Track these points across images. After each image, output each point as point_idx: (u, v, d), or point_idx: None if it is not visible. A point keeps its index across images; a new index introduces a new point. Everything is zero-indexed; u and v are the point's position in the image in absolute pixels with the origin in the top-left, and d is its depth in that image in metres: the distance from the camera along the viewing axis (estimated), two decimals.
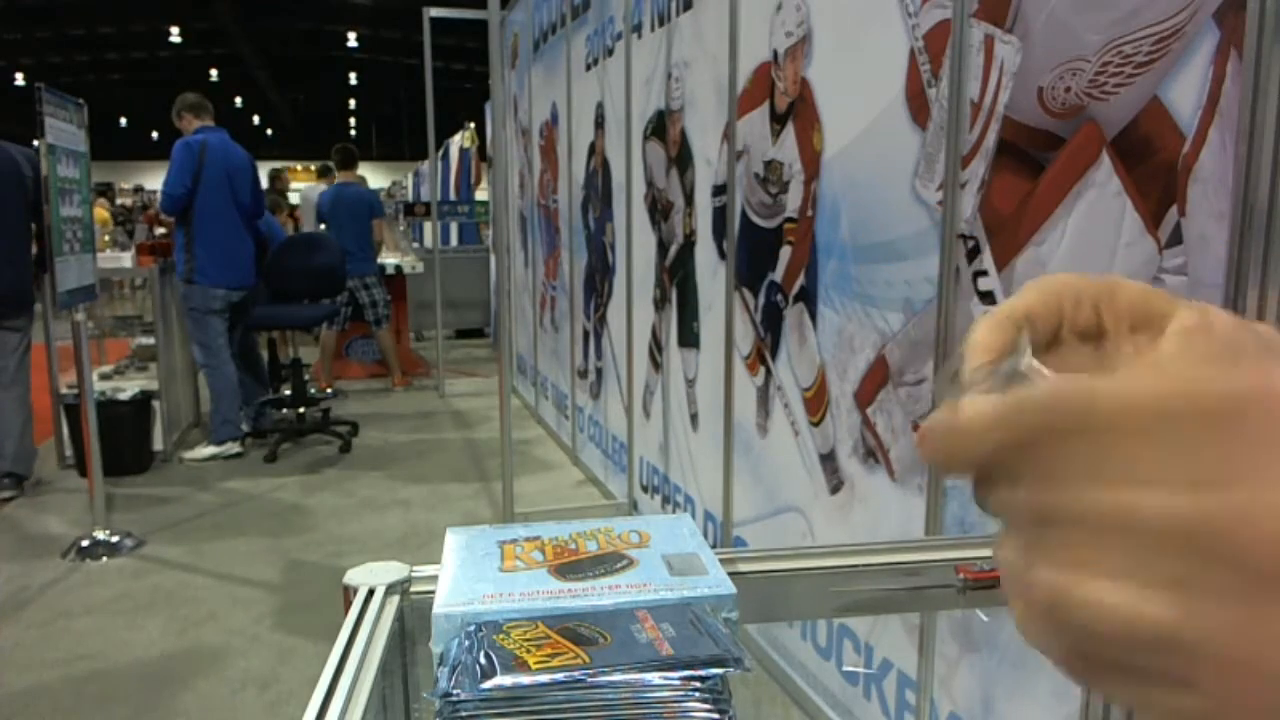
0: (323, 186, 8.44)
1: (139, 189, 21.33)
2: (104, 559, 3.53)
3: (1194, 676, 0.22)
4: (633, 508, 3.73)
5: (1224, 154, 1.14)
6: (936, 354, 1.70)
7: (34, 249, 4.11)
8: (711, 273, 2.80)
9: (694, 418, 3.05)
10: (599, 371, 4.27)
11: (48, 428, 4.70)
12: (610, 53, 3.76)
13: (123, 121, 33.91)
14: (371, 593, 0.62)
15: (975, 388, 0.29)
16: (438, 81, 6.58)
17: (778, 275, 2.36)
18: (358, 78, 31.87)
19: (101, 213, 10.69)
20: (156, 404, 4.67)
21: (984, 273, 1.58)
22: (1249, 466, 0.21)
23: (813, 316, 2.20)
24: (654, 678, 0.50)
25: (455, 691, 0.49)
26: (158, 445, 4.74)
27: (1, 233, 3.99)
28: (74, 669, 2.71)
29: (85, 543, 3.57)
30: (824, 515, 2.22)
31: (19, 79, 27.23)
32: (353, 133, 37.24)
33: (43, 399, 4.40)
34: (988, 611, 1.54)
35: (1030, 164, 1.47)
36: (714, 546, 0.64)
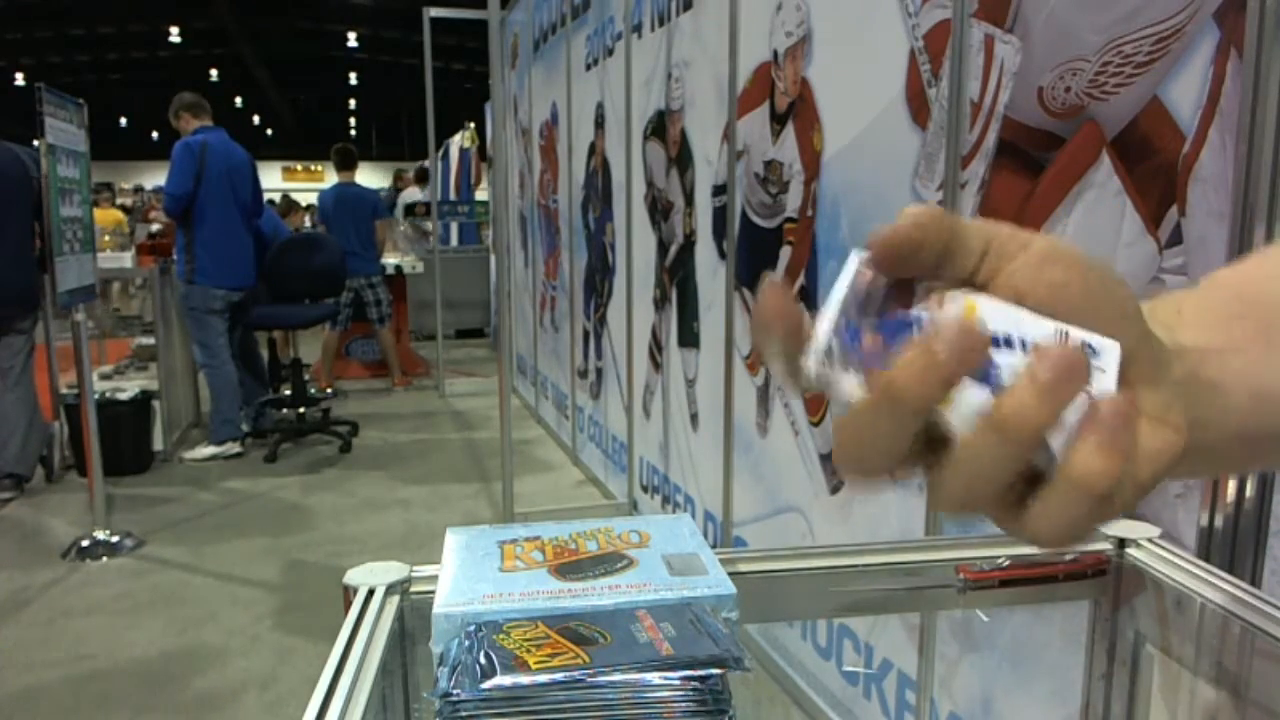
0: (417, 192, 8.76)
1: (139, 189, 21.31)
2: (104, 559, 3.53)
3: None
4: (633, 508, 3.73)
5: (1224, 154, 1.14)
6: None
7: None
8: (711, 272, 2.80)
9: (694, 418, 3.05)
10: (599, 371, 4.27)
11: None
12: (610, 53, 3.76)
13: (123, 121, 33.91)
14: (371, 593, 0.62)
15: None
16: (438, 81, 6.58)
17: (778, 275, 2.36)
18: (358, 78, 31.86)
19: (116, 214, 10.67)
20: (156, 404, 4.67)
21: None
22: None
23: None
24: (654, 678, 0.50)
25: (455, 691, 0.49)
26: (158, 445, 4.74)
27: (9, 235, 3.99)
28: (74, 669, 2.71)
29: (85, 543, 3.57)
30: (824, 515, 2.22)
31: (19, 79, 27.23)
32: (353, 133, 37.23)
33: (43, 399, 4.40)
34: (987, 611, 1.54)
35: (1030, 164, 1.47)
36: (714, 546, 0.64)
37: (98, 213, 10.26)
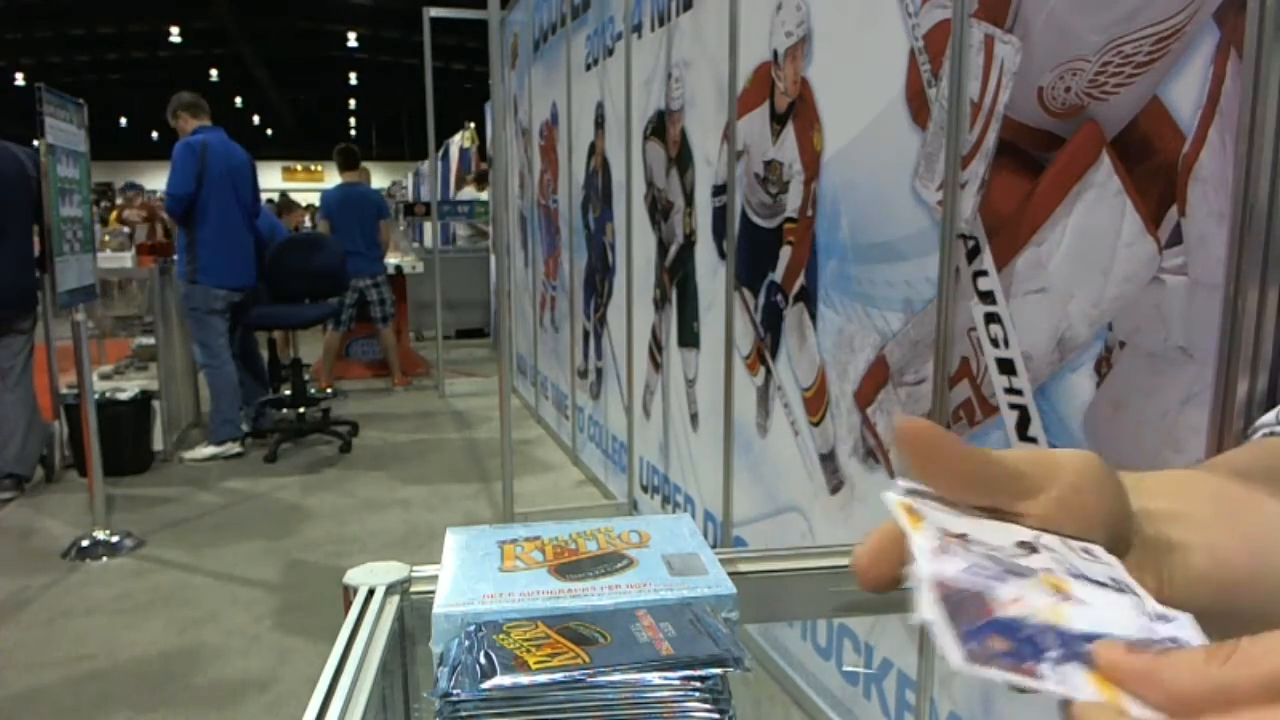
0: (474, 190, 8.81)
1: (138, 188, 21.33)
2: (104, 559, 3.53)
3: None
4: (633, 508, 3.73)
5: (1224, 154, 1.14)
6: (936, 354, 1.70)
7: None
8: (711, 273, 2.80)
9: (694, 418, 3.05)
10: (599, 371, 4.27)
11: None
12: (610, 53, 3.76)
13: (123, 121, 33.91)
14: (371, 593, 0.62)
15: None
16: (438, 81, 6.58)
17: (778, 275, 2.36)
18: (358, 78, 31.87)
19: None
20: (156, 404, 4.67)
21: (984, 273, 1.58)
22: None
23: (813, 316, 2.20)
24: (654, 678, 0.50)
25: (455, 691, 0.49)
26: (158, 445, 4.74)
27: (7, 236, 3.99)
28: (74, 669, 2.71)
29: (85, 543, 3.57)
30: (824, 515, 2.22)
31: (19, 79, 27.23)
32: (353, 133, 37.25)
33: (43, 399, 4.40)
34: None
35: (1030, 164, 1.47)
36: (714, 546, 0.64)
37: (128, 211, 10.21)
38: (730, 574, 0.60)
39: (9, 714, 2.50)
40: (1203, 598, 0.36)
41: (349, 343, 6.96)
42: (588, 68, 4.12)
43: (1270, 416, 0.47)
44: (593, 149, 4.13)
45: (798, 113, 2.21)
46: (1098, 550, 0.35)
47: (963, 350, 1.65)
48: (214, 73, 30.80)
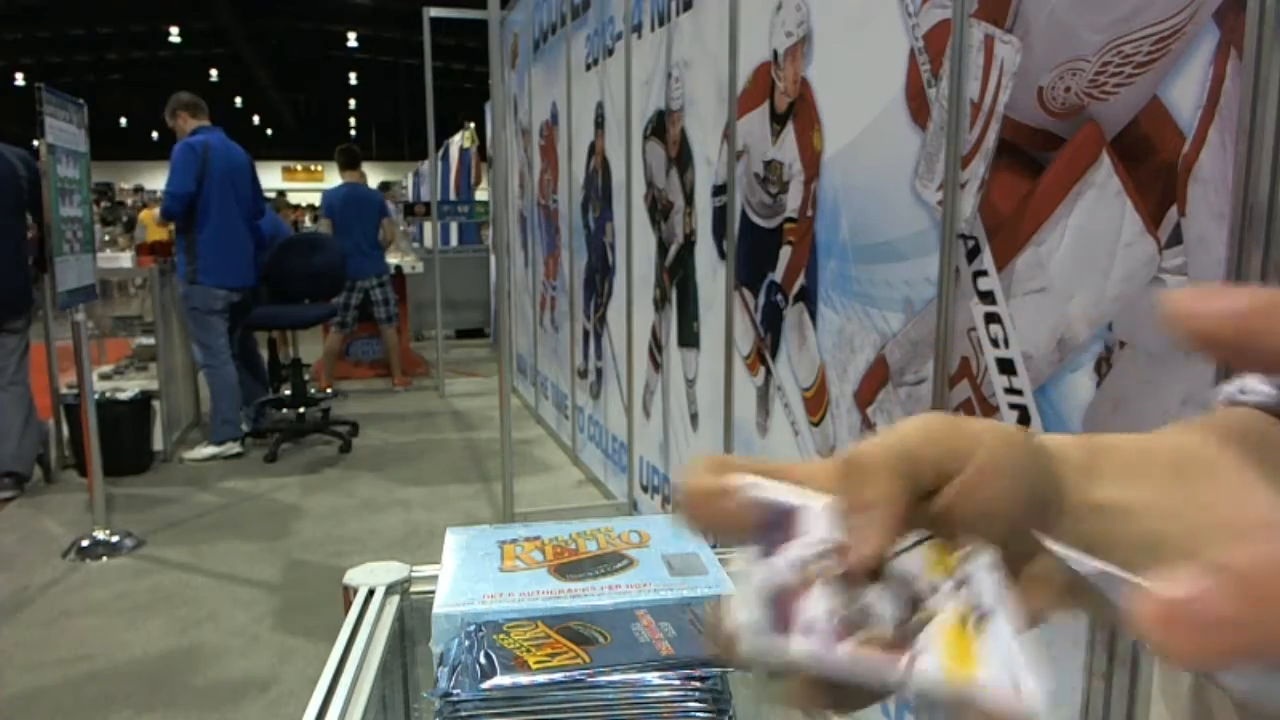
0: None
1: (139, 189, 21.35)
2: (104, 559, 3.53)
3: None
4: (633, 508, 3.73)
5: (1224, 154, 1.14)
6: (936, 354, 1.70)
7: (33, 249, 4.11)
8: (711, 273, 2.80)
9: (694, 418, 3.05)
10: (599, 371, 4.27)
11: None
12: (610, 53, 3.76)
13: (123, 121, 33.92)
14: (371, 593, 0.62)
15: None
16: (438, 81, 6.59)
17: (778, 275, 2.36)
18: (358, 78, 31.87)
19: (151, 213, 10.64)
20: (156, 404, 4.68)
21: (984, 273, 1.58)
22: None
23: (813, 316, 2.20)
24: (654, 678, 0.50)
25: (455, 691, 0.49)
26: (158, 445, 4.74)
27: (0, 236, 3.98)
28: (74, 669, 2.71)
29: (85, 543, 3.57)
30: None
31: (19, 79, 27.23)
32: (353, 133, 37.24)
33: (42, 399, 4.40)
34: None
35: (1030, 164, 1.47)
36: (714, 547, 0.64)
37: (144, 213, 10.19)
38: (730, 574, 0.60)
39: (9, 714, 2.50)
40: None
41: (349, 343, 6.96)
42: (588, 68, 4.12)
43: (1233, 388, 0.45)
44: (593, 149, 4.13)
45: (798, 113, 2.21)
46: (973, 562, 0.32)
47: (963, 350, 1.65)
48: (214, 73, 30.80)
